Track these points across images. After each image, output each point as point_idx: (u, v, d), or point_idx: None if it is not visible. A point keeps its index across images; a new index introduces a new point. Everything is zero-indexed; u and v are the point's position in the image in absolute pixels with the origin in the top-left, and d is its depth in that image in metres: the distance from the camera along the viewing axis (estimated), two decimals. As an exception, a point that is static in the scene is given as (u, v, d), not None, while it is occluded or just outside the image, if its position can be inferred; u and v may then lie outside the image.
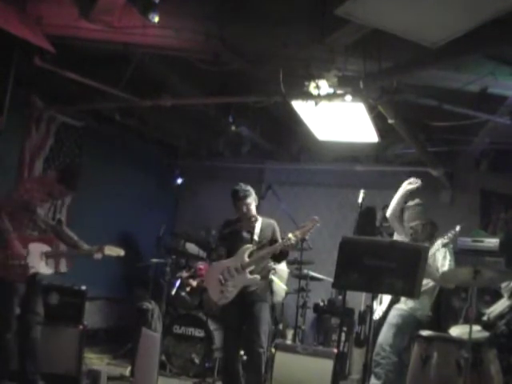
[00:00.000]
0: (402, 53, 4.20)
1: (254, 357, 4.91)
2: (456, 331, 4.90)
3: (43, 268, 4.93)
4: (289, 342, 6.74)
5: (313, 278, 6.62)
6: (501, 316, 5.18)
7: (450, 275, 4.75)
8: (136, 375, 5.55)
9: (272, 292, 5.98)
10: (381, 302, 5.22)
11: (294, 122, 6.73)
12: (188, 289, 7.10)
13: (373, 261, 3.81)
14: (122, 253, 5.24)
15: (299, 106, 5.42)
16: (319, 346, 6.74)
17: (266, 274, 5.19)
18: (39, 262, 4.88)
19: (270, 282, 5.64)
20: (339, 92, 4.98)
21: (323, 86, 4.87)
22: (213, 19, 4.28)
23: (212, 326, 6.44)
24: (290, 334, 7.21)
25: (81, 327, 5.44)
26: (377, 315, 5.17)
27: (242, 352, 5.32)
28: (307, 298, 6.57)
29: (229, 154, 8.66)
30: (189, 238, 7.90)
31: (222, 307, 5.26)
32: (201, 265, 7.28)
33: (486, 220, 7.61)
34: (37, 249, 4.88)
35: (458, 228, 4.89)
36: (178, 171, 8.79)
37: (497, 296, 5.46)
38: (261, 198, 6.95)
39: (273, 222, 5.28)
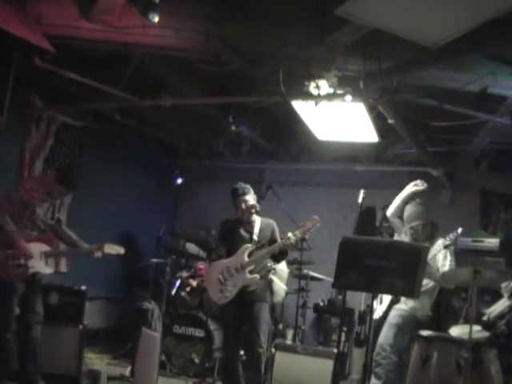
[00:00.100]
0: (401, 53, 4.19)
1: (253, 357, 4.91)
2: (456, 331, 4.90)
3: (43, 268, 4.93)
4: (289, 341, 6.74)
5: (313, 278, 6.62)
6: (501, 316, 5.18)
7: (450, 275, 4.75)
8: (136, 375, 5.55)
9: (272, 292, 5.98)
10: (381, 302, 5.22)
11: (294, 122, 6.73)
12: (188, 289, 7.10)
13: (373, 261, 3.81)
14: (121, 251, 5.23)
15: (299, 105, 5.42)
16: (319, 346, 6.74)
17: (265, 274, 5.19)
18: (39, 261, 4.89)
19: (270, 281, 5.64)
20: (339, 92, 4.98)
21: (323, 86, 4.87)
22: (213, 19, 4.27)
23: (212, 325, 6.44)
24: (290, 333, 7.21)
25: (81, 327, 5.44)
26: (377, 315, 5.17)
27: (241, 352, 5.32)
28: (307, 298, 6.57)
29: (229, 153, 8.66)
30: (189, 238, 7.90)
31: (221, 307, 5.27)
32: (201, 265, 7.28)
33: (486, 220, 7.61)
34: (36, 248, 4.89)
35: (459, 230, 4.89)
36: (178, 171, 8.80)
37: (497, 296, 5.46)
38: (261, 197, 6.96)
39: (272, 221, 5.28)
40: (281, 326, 6.99)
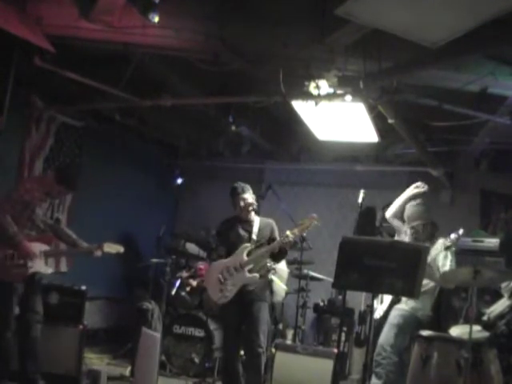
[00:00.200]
0: (401, 53, 4.19)
1: (253, 357, 4.91)
2: (456, 331, 4.90)
3: (42, 267, 4.93)
4: (289, 341, 6.75)
5: (313, 278, 6.62)
6: (501, 316, 5.18)
7: (450, 275, 4.76)
8: (136, 375, 5.55)
9: (272, 292, 5.98)
10: (382, 302, 5.22)
11: (294, 122, 6.73)
12: (188, 289, 7.10)
13: (373, 261, 3.82)
14: (121, 249, 5.24)
15: (299, 105, 5.42)
16: (319, 346, 6.74)
17: (264, 273, 5.19)
18: (38, 261, 4.88)
19: (270, 281, 5.64)
20: (339, 92, 4.97)
21: (323, 86, 4.87)
22: (213, 19, 4.27)
23: (212, 325, 6.44)
24: (290, 333, 7.21)
25: (81, 327, 5.44)
26: (377, 314, 5.17)
27: (242, 352, 5.32)
28: (307, 298, 6.57)
29: (229, 153, 8.66)
30: (189, 238, 7.90)
31: (221, 306, 5.27)
32: (201, 265, 7.29)
33: (486, 220, 7.61)
34: (36, 248, 4.88)
35: (461, 231, 4.89)
36: (178, 171, 8.79)
37: (497, 296, 5.46)
38: (261, 197, 6.96)
39: (271, 221, 5.29)
40: (281, 326, 6.99)
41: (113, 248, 5.18)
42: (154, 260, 6.83)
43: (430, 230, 5.18)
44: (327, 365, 5.34)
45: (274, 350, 5.60)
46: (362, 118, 5.57)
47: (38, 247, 4.91)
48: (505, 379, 4.46)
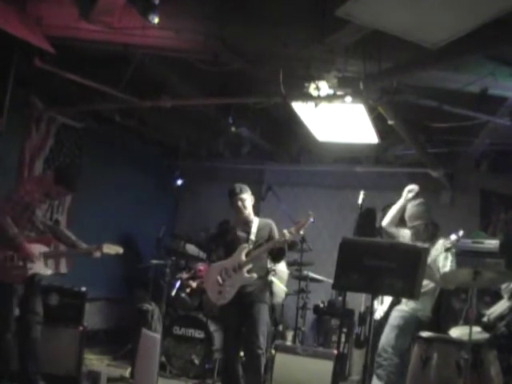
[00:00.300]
0: (402, 53, 4.19)
1: (253, 358, 4.91)
2: (456, 332, 4.89)
3: (42, 269, 4.93)
4: (289, 343, 6.74)
5: (313, 280, 6.62)
6: (501, 317, 5.17)
7: (450, 276, 4.75)
8: (136, 376, 5.55)
9: (272, 293, 5.99)
10: (382, 302, 5.22)
11: (294, 123, 6.73)
12: (188, 290, 7.10)
13: (373, 262, 3.82)
14: (120, 250, 5.24)
15: (299, 107, 5.42)
16: (319, 347, 6.74)
17: (263, 274, 5.18)
18: (38, 262, 4.88)
19: (270, 283, 5.64)
20: (339, 93, 4.97)
21: (323, 87, 4.87)
22: (213, 19, 4.27)
23: (212, 327, 6.44)
24: (289, 335, 7.21)
25: (81, 328, 5.44)
26: (378, 315, 5.17)
27: (241, 353, 5.31)
28: (307, 300, 6.57)
29: (229, 154, 8.66)
30: (189, 239, 7.89)
31: (220, 308, 5.27)
32: (201, 266, 7.28)
33: (486, 221, 7.61)
34: (35, 250, 4.88)
35: (460, 233, 4.89)
36: (178, 172, 8.79)
37: (497, 297, 5.45)
38: (261, 199, 6.97)
39: (270, 221, 5.28)
40: (281, 328, 6.99)
41: (112, 249, 5.18)
42: (154, 261, 6.82)
43: (431, 231, 5.17)
44: (327, 366, 5.34)
45: (273, 352, 5.60)
46: (362, 119, 5.57)
47: (37, 249, 4.91)
48: (505, 380, 4.46)
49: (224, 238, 5.29)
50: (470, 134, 6.46)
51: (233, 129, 6.95)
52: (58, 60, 5.15)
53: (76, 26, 4.37)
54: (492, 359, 4.37)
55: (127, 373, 6.05)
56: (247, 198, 5.19)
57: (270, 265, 5.37)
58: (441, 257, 4.99)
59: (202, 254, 7.68)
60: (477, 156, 7.46)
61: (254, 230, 5.17)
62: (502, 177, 7.47)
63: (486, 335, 4.83)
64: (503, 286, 5.33)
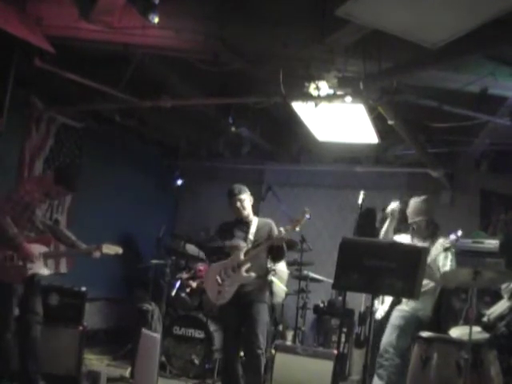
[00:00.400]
0: (402, 53, 4.19)
1: (252, 358, 4.91)
2: (456, 332, 4.89)
3: (41, 269, 4.93)
4: (289, 343, 6.74)
5: (313, 279, 6.62)
6: (501, 317, 5.17)
7: (450, 276, 4.75)
8: (136, 376, 5.55)
9: (272, 293, 5.98)
10: (383, 302, 5.21)
11: (294, 123, 6.73)
12: (188, 290, 7.10)
13: (373, 261, 3.82)
14: (120, 250, 5.24)
15: (299, 106, 5.42)
16: (319, 347, 6.74)
17: (263, 274, 5.17)
18: (37, 262, 4.88)
19: (270, 283, 5.64)
20: (339, 93, 4.97)
21: (323, 87, 4.87)
22: (213, 19, 4.27)
23: (212, 327, 6.44)
24: (289, 335, 7.21)
25: (81, 328, 5.44)
26: (379, 315, 5.17)
27: (241, 353, 5.31)
28: (307, 299, 6.57)
29: (229, 154, 8.66)
30: (189, 239, 7.89)
31: (220, 308, 5.27)
32: (201, 266, 7.28)
33: (486, 221, 7.61)
34: (35, 250, 4.88)
35: (459, 233, 4.90)
36: (178, 172, 8.79)
37: (497, 297, 5.45)
38: (261, 199, 6.97)
39: (269, 221, 5.28)
40: (281, 327, 6.99)
41: (111, 249, 5.18)
42: (154, 261, 6.83)
43: (432, 229, 5.18)
44: (327, 366, 5.34)
45: (273, 351, 5.60)
46: (362, 119, 5.57)
47: (37, 249, 4.90)
48: (505, 380, 4.46)
49: (223, 238, 5.28)
50: (470, 134, 6.46)
51: (233, 129, 6.95)
52: (57, 60, 5.15)
53: (76, 25, 4.37)
54: (492, 359, 4.37)
55: (127, 373, 6.05)
56: (246, 199, 5.20)
57: (269, 265, 5.37)
58: (441, 256, 4.99)
59: (202, 254, 7.67)
60: (477, 156, 7.46)
61: (252, 229, 5.18)
62: (502, 177, 7.47)
63: (486, 335, 4.82)
64: (503, 286, 5.33)
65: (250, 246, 5.11)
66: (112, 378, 5.87)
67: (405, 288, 3.74)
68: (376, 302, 5.17)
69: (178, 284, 7.08)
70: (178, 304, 7.10)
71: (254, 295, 5.03)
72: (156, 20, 3.90)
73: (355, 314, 7.31)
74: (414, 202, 5.27)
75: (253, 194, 5.36)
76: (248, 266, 5.02)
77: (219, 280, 5.08)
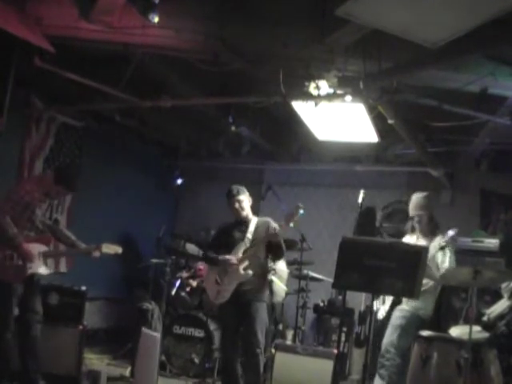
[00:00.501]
0: (402, 53, 4.20)
1: (251, 357, 4.92)
2: (456, 331, 4.89)
3: (41, 268, 4.93)
4: (289, 342, 6.74)
5: (313, 279, 6.62)
6: (501, 316, 5.18)
7: (450, 275, 4.75)
8: (136, 375, 5.55)
9: (272, 292, 5.98)
10: (384, 302, 5.22)
11: (294, 123, 6.73)
12: (188, 289, 7.10)
13: (373, 261, 3.82)
14: (119, 250, 5.24)
15: (299, 106, 5.42)
16: (319, 346, 6.73)
17: (261, 272, 5.16)
18: (37, 262, 4.88)
19: (270, 282, 5.64)
20: (339, 92, 4.98)
21: (323, 87, 4.87)
22: (213, 19, 4.27)
23: (212, 326, 6.44)
24: (289, 334, 7.21)
25: (81, 327, 5.44)
26: (380, 315, 5.18)
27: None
28: (307, 299, 6.57)
29: (229, 154, 8.66)
30: (189, 239, 7.89)
31: (219, 307, 5.28)
32: (200, 265, 7.28)
33: (486, 220, 7.61)
34: (34, 249, 4.88)
35: (454, 232, 4.91)
36: (178, 172, 8.79)
37: (497, 296, 5.46)
38: (261, 198, 6.97)
39: (268, 219, 5.27)
40: (281, 327, 6.99)
41: (111, 249, 5.18)
42: (154, 260, 6.83)
43: (432, 226, 5.19)
44: (327, 365, 5.34)
45: (273, 351, 5.59)
46: (362, 118, 5.57)
47: (36, 248, 4.90)
48: (505, 380, 4.46)
49: (222, 240, 5.30)
50: (470, 134, 6.47)
51: (233, 128, 6.95)
52: (57, 59, 5.15)
53: (76, 25, 4.37)
54: (492, 358, 4.36)
55: (127, 372, 6.05)
56: (244, 200, 5.21)
57: (270, 264, 5.37)
58: (439, 254, 5.00)
59: (203, 251, 7.68)
60: (477, 155, 7.46)
61: (251, 229, 5.18)
62: (501, 176, 7.47)
63: (486, 334, 4.82)
64: (503, 285, 5.33)
65: (248, 245, 5.11)
66: (112, 378, 5.87)
67: (405, 288, 3.75)
68: (377, 303, 5.17)
69: (178, 283, 7.08)
70: (177, 303, 7.10)
71: (252, 294, 5.03)
72: (156, 20, 3.90)
73: (355, 314, 7.31)
74: (417, 198, 5.28)
75: (253, 193, 5.36)
76: (246, 264, 5.03)
77: (218, 279, 5.09)
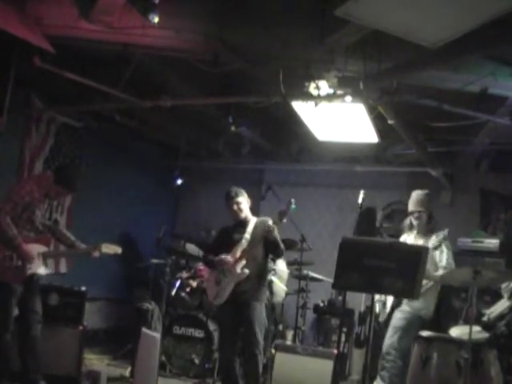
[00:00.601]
0: (401, 53, 4.20)
1: (250, 357, 4.92)
2: (456, 332, 4.89)
3: (41, 269, 4.92)
4: (289, 342, 6.74)
5: (313, 279, 6.61)
6: (501, 317, 5.17)
7: (449, 276, 4.76)
8: (136, 376, 5.54)
9: (272, 292, 5.99)
10: (384, 305, 5.20)
11: (294, 123, 6.72)
12: (188, 289, 7.10)
13: (373, 261, 3.81)
14: (119, 250, 5.23)
15: (299, 106, 5.42)
16: (319, 346, 6.74)
17: (259, 273, 5.15)
18: (36, 262, 4.87)
19: (270, 282, 5.64)
20: (339, 93, 4.98)
21: (323, 87, 4.87)
22: (213, 19, 4.28)
23: (212, 326, 6.44)
24: (289, 334, 7.21)
25: (81, 328, 5.44)
26: (382, 319, 5.18)
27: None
28: (307, 299, 6.57)
29: (229, 154, 8.65)
30: (189, 239, 7.89)
31: (218, 307, 5.29)
32: (201, 265, 7.27)
33: (486, 221, 7.61)
34: (34, 250, 4.88)
35: (446, 232, 4.94)
36: (178, 172, 8.78)
37: (497, 296, 5.45)
38: (261, 198, 6.96)
39: (267, 219, 5.26)
40: (281, 327, 6.99)
41: (110, 249, 5.18)
42: (154, 260, 6.83)
43: (431, 226, 5.19)
44: (327, 365, 5.33)
45: (273, 351, 5.59)
46: (362, 118, 5.57)
47: (36, 249, 4.90)
48: (505, 380, 4.46)
49: (221, 241, 5.30)
50: (470, 134, 6.46)
51: (233, 128, 6.94)
52: (57, 60, 5.15)
53: (76, 25, 4.37)
54: (492, 359, 4.36)
55: (127, 372, 6.05)
56: (243, 201, 5.22)
57: (270, 264, 5.37)
58: (436, 252, 5.00)
59: (202, 254, 7.68)
60: (477, 155, 7.46)
61: (249, 229, 5.19)
62: (501, 176, 7.47)
63: (486, 335, 4.83)
64: (503, 286, 5.33)
65: (246, 245, 5.12)
66: (112, 378, 5.87)
67: (405, 288, 3.74)
68: (379, 305, 5.17)
69: (178, 283, 7.08)
70: (177, 303, 7.10)
71: (250, 294, 5.03)
72: (156, 20, 3.90)
73: (355, 314, 7.32)
74: (417, 194, 5.29)
75: (253, 193, 5.36)
76: (243, 263, 5.03)
77: (218, 280, 5.10)
